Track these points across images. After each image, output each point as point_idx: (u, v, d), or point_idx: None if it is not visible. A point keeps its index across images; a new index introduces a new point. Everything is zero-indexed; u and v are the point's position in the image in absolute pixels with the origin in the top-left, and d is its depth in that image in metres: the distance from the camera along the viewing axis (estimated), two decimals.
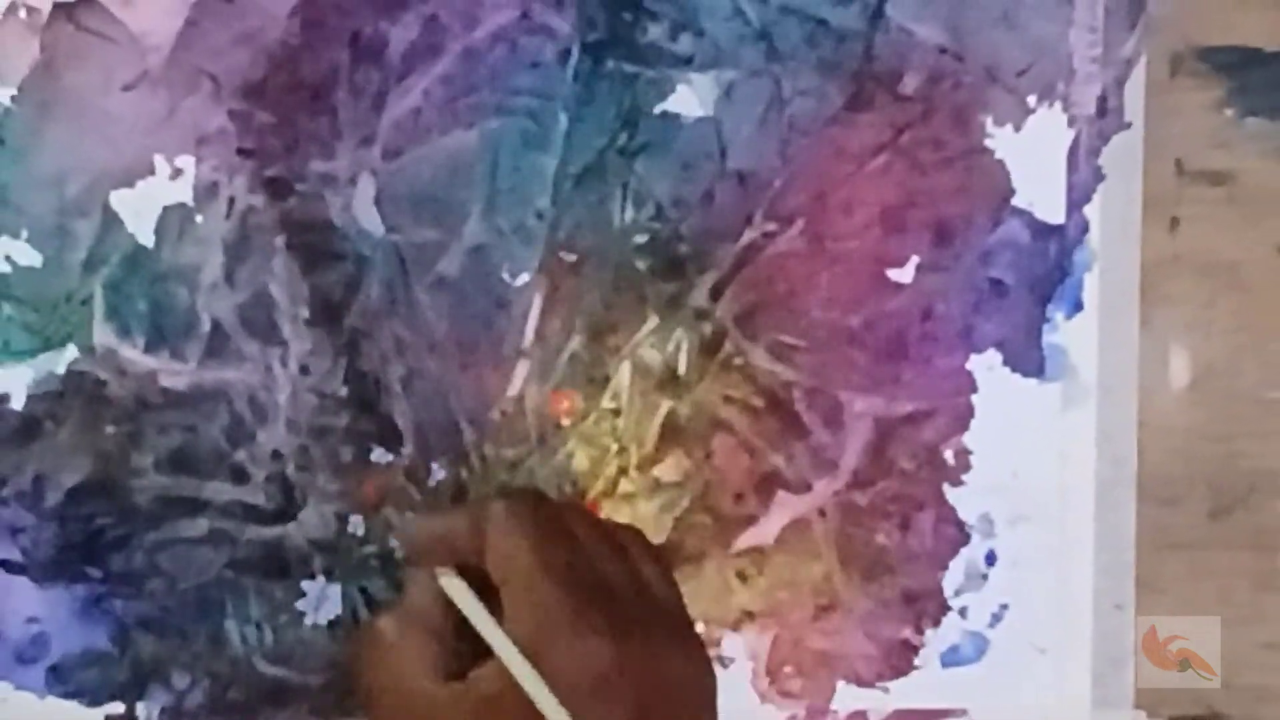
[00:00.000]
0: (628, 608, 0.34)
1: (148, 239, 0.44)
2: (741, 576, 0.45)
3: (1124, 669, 0.45)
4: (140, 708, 0.45)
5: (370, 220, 0.44)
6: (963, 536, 0.45)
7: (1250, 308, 0.45)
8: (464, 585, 0.36)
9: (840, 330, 0.45)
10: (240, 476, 0.44)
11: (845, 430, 0.45)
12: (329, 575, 0.45)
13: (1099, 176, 0.44)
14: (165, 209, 0.43)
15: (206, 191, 0.44)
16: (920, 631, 0.45)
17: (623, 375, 0.45)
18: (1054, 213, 0.44)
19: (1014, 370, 0.45)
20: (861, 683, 0.45)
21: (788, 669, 0.45)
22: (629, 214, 0.44)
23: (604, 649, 0.32)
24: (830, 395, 0.45)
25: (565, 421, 0.45)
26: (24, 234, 0.43)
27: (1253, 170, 0.45)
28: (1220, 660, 0.46)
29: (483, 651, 0.35)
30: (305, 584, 0.45)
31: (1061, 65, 0.44)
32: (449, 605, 0.36)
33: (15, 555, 0.44)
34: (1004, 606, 0.45)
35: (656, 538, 0.45)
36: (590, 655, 0.32)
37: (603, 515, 0.45)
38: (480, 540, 0.35)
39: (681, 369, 0.45)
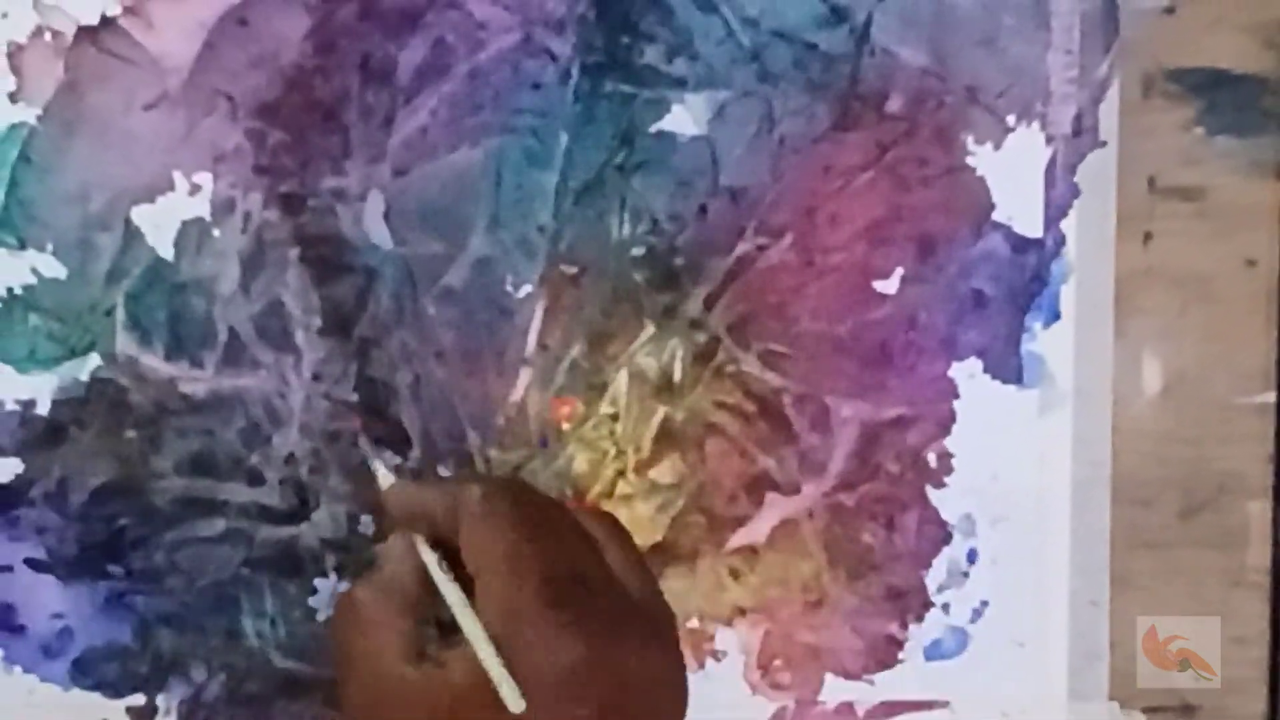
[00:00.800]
0: (600, 604, 0.33)
1: (167, 252, 0.44)
2: (734, 574, 0.45)
3: (1099, 662, 0.45)
4: (160, 699, 0.45)
5: (380, 234, 0.44)
6: (945, 536, 0.45)
7: (1220, 318, 0.46)
8: (439, 561, 0.35)
9: (828, 339, 0.45)
10: (256, 479, 0.45)
11: (833, 434, 0.45)
12: (340, 573, 0.45)
13: (1075, 192, 0.45)
14: (184, 223, 0.44)
15: (223, 207, 0.44)
16: (904, 626, 0.45)
17: (621, 382, 0.45)
18: (1032, 227, 0.45)
19: (994, 377, 0.45)
20: (848, 675, 0.45)
21: (778, 662, 0.45)
22: (626, 228, 0.45)
23: (573, 646, 0.31)
24: (818, 401, 0.45)
25: (566, 426, 0.45)
26: (49, 247, 0.44)
27: (1222, 186, 0.45)
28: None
29: (452, 626, 0.34)
30: (318, 581, 0.45)
31: (1039, 86, 0.44)
32: (425, 579, 0.35)
33: (41, 554, 0.44)
34: (984, 603, 0.45)
35: (653, 537, 0.45)
36: (559, 651, 0.31)
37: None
38: (455, 523, 0.34)
39: (677, 376, 0.45)
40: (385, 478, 0.40)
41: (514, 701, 0.31)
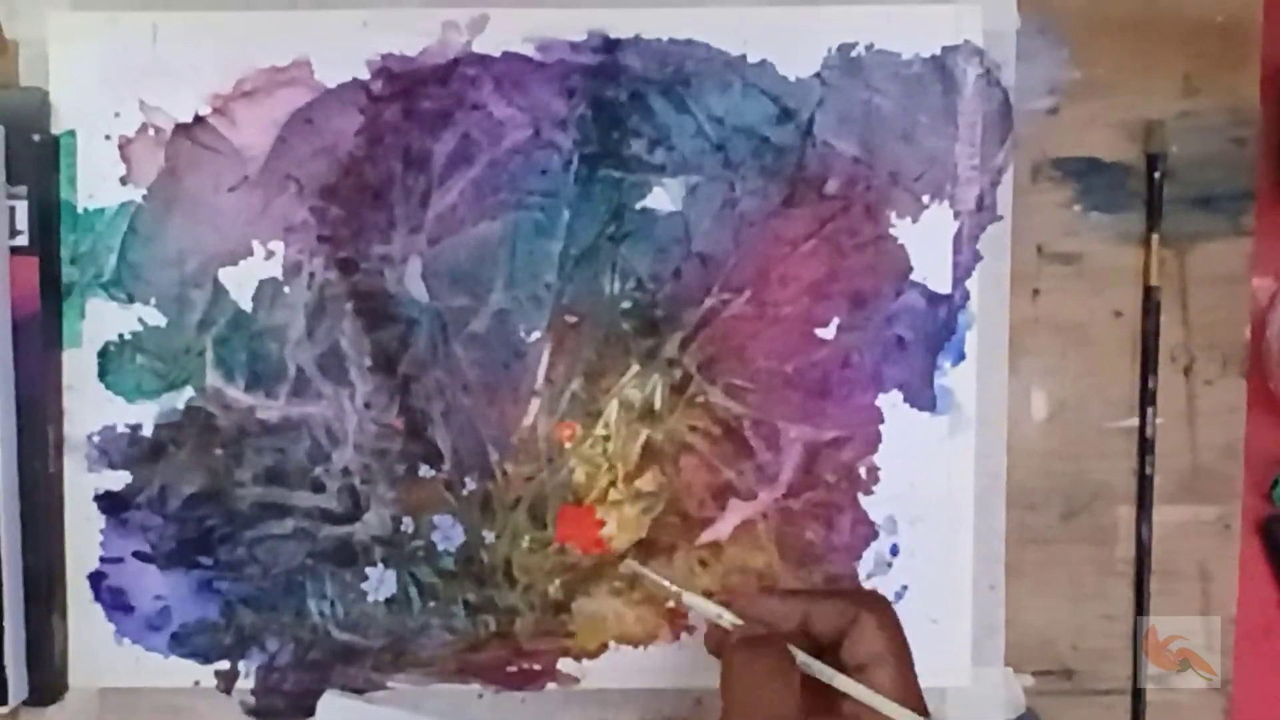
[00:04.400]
0: None
1: (247, 305, 0.47)
2: (703, 564, 0.47)
3: (996, 635, 0.47)
4: (241, 665, 0.48)
5: (418, 290, 0.47)
6: (873, 533, 0.47)
7: (1094, 359, 0.47)
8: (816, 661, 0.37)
9: (779, 375, 0.47)
10: (318, 487, 0.47)
11: (783, 452, 0.47)
12: (386, 563, 0.47)
13: (977, 257, 0.47)
14: (261, 282, 0.47)
15: (292, 269, 0.47)
16: None
17: (612, 410, 0.47)
18: (943, 285, 0.47)
19: (912, 406, 0.47)
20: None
21: None
22: (617, 286, 0.47)
23: None
24: (771, 425, 0.47)
25: (568, 445, 0.47)
26: (152, 301, 0.47)
27: (1096, 253, 0.47)
28: (1068, 628, 0.48)
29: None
30: (368, 570, 0.47)
31: (948, 172, 0.46)
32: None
33: (145, 548, 0.47)
34: (904, 587, 0.47)
35: (638, 534, 0.47)
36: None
37: (597, 517, 0.47)
38: (831, 627, 0.38)
39: (657, 405, 0.47)
40: (728, 619, 0.40)
41: None
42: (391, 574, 0.48)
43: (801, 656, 0.38)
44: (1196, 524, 0.48)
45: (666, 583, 0.41)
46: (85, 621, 0.48)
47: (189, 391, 0.47)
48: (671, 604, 0.47)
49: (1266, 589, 0.49)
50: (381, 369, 0.47)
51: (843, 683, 0.37)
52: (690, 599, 0.40)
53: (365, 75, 0.46)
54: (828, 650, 0.38)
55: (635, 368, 0.47)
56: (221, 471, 0.47)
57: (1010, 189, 0.47)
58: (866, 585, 0.48)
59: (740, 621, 0.39)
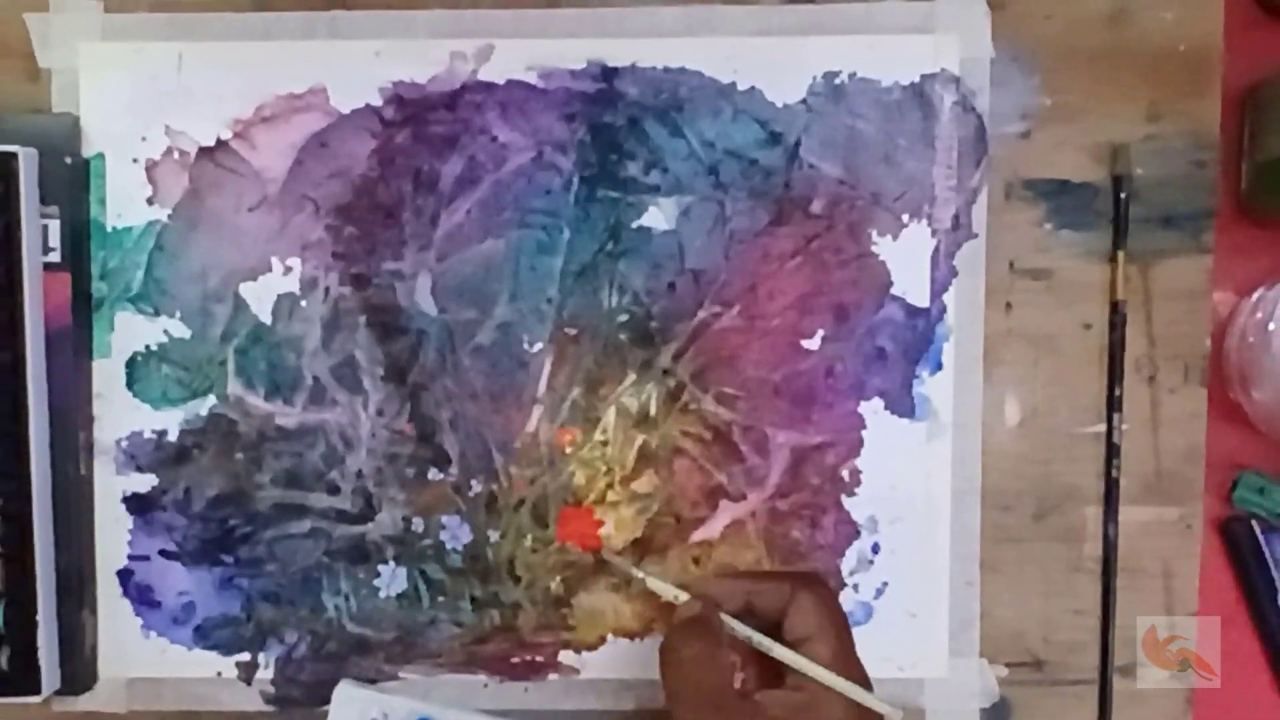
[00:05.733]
0: None
1: (267, 318, 0.47)
2: (695, 561, 0.48)
3: (972, 628, 0.48)
4: (261, 657, 0.49)
5: (427, 304, 0.47)
6: (855, 533, 0.48)
7: (1063, 368, 0.48)
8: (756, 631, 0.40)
9: (767, 384, 0.47)
10: (334, 489, 0.48)
11: (770, 456, 0.48)
12: (397, 561, 0.48)
13: (954, 273, 0.47)
14: (279, 296, 0.48)
15: (309, 284, 0.48)
16: None
17: (610, 416, 0.48)
18: (921, 299, 0.47)
19: (893, 413, 0.48)
20: None
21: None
22: (614, 300, 0.47)
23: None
24: (760, 430, 0.47)
25: (568, 450, 0.48)
26: (177, 314, 0.48)
27: (1065, 268, 0.48)
28: (1039, 621, 0.48)
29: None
30: (380, 567, 0.48)
31: (927, 192, 0.47)
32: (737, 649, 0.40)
33: (171, 546, 0.48)
34: (885, 583, 0.48)
35: (634, 534, 0.48)
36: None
37: (596, 517, 0.48)
38: (773, 605, 0.40)
39: (652, 412, 0.48)
40: (684, 599, 0.42)
41: (892, 711, 0.38)
42: (402, 571, 0.48)
43: (743, 630, 0.40)
44: (1160, 524, 0.49)
45: (634, 569, 0.44)
46: (114, 616, 0.49)
47: (211, 399, 0.48)
48: (665, 599, 0.47)
49: (1226, 586, 0.50)
50: (393, 378, 0.48)
51: (780, 652, 0.39)
52: (652, 583, 0.43)
53: (378, 102, 0.47)
54: (774, 628, 0.41)
55: (632, 377, 0.48)
56: (242, 474, 0.48)
57: (985, 208, 0.48)
58: (849, 581, 0.49)
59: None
